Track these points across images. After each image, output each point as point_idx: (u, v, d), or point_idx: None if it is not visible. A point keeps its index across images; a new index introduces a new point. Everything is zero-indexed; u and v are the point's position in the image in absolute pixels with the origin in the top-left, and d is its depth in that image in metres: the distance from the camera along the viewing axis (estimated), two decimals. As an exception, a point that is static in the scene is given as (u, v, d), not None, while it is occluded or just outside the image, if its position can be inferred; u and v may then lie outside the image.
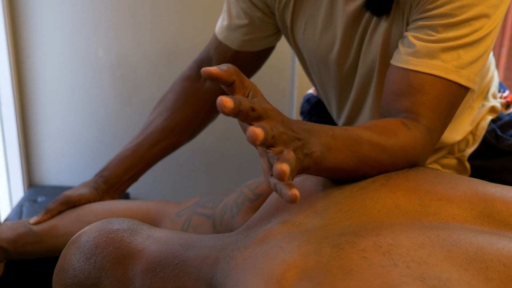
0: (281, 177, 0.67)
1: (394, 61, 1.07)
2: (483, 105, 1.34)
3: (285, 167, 0.67)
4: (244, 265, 0.80)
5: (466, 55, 1.03)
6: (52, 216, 1.28)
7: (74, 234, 1.21)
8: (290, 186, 0.68)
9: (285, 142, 0.73)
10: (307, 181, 0.94)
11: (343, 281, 0.68)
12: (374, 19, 1.16)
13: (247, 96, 0.75)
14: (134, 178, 1.40)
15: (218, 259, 0.85)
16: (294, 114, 2.16)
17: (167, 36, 2.10)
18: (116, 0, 2.06)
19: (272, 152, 0.71)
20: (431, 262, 0.70)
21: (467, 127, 1.33)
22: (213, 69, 0.71)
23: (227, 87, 0.74)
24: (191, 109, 1.43)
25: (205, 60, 1.44)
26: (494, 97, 1.38)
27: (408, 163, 0.96)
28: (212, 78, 0.71)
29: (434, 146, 1.05)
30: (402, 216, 0.82)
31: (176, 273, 0.87)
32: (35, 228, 1.28)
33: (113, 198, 1.40)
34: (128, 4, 2.06)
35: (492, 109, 1.36)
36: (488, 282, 0.69)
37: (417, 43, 1.04)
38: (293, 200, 0.68)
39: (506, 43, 2.44)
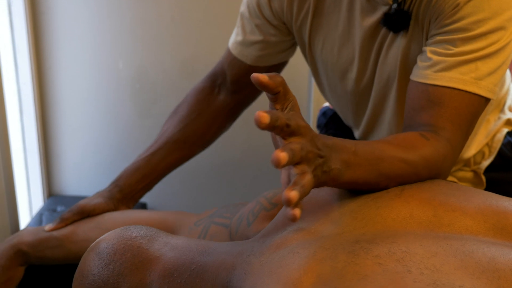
0: (287, 203, 0.69)
1: (413, 76, 1.08)
2: (499, 118, 1.34)
3: (293, 195, 0.69)
4: (260, 270, 0.81)
5: (484, 67, 1.03)
6: (66, 225, 1.30)
7: (93, 240, 1.23)
8: (295, 205, 0.70)
9: (309, 161, 0.75)
10: (322, 190, 0.95)
11: (358, 286, 0.69)
12: (390, 35, 1.16)
13: (286, 108, 0.77)
14: (147, 188, 1.43)
15: (234, 265, 0.86)
16: (311, 127, 2.16)
17: (186, 50, 2.11)
18: (137, 13, 2.07)
19: (294, 171, 0.73)
20: (444, 270, 0.70)
21: (482, 139, 1.33)
22: (263, 76, 0.73)
23: (271, 95, 0.75)
24: (204, 122, 1.45)
25: (219, 74, 1.45)
26: (510, 109, 1.37)
27: (430, 173, 0.97)
28: (261, 85, 0.73)
29: (457, 157, 1.05)
30: (416, 225, 0.83)
31: (193, 278, 0.88)
32: (55, 233, 1.30)
33: (128, 207, 1.42)
34: (148, 18, 2.08)
35: (508, 122, 1.36)
36: None
37: (435, 57, 1.04)
38: (291, 219, 0.70)
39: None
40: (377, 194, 0.90)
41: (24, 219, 2.16)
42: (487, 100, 1.06)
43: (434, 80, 1.04)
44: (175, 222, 1.29)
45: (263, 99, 1.57)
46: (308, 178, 0.73)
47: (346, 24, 1.21)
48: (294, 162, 0.72)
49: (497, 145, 1.34)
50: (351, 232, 0.83)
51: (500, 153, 1.35)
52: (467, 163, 1.35)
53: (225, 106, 1.45)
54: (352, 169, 0.85)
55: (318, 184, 0.80)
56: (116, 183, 1.42)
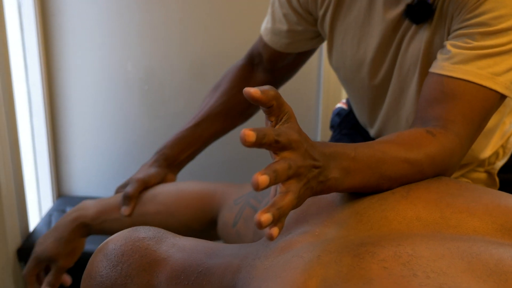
0: (258, 226, 0.69)
1: (431, 68, 1.07)
2: None
3: (264, 219, 0.68)
4: (265, 274, 0.81)
5: (503, 63, 1.02)
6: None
7: (150, 214, 1.28)
8: (274, 225, 0.70)
9: (300, 175, 0.74)
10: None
11: (364, 291, 0.69)
12: (413, 27, 1.15)
13: (281, 120, 0.77)
14: (191, 157, 1.48)
15: (240, 268, 0.86)
16: (320, 128, 2.16)
17: (194, 51, 2.11)
18: (145, 15, 2.08)
19: (279, 189, 0.73)
20: (451, 273, 0.70)
21: (498, 141, 1.32)
22: (255, 91, 0.73)
23: (265, 108, 0.75)
24: (244, 101, 1.48)
25: (256, 55, 1.50)
26: None
27: (436, 171, 0.96)
28: (253, 100, 0.73)
29: (465, 151, 1.04)
30: (422, 228, 0.82)
31: (200, 281, 0.88)
32: (115, 206, 1.35)
33: (174, 175, 1.47)
34: (156, 19, 2.08)
35: None
36: None
37: (453, 50, 1.04)
38: (268, 239, 0.71)
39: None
40: (382, 195, 0.89)
41: (34, 220, 2.17)
42: (502, 97, 1.05)
43: (450, 71, 1.03)
44: (222, 196, 1.31)
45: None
46: (288, 199, 0.72)
47: (367, 16, 1.21)
48: (278, 183, 0.71)
49: (511, 146, 1.34)
50: (356, 234, 0.82)
51: None
52: (481, 163, 1.34)
53: (265, 83, 1.50)
54: (352, 176, 0.84)
55: (313, 194, 0.79)
56: (161, 153, 1.46)
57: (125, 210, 1.33)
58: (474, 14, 1.02)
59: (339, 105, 1.72)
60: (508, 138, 1.33)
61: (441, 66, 1.04)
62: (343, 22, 1.26)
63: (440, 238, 0.78)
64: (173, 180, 1.47)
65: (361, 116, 1.46)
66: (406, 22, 1.16)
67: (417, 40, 1.16)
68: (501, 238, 0.80)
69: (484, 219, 0.83)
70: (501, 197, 0.89)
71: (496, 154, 1.33)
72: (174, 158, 1.45)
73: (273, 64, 1.48)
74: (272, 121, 0.77)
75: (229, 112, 1.49)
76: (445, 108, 1.02)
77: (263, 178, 0.68)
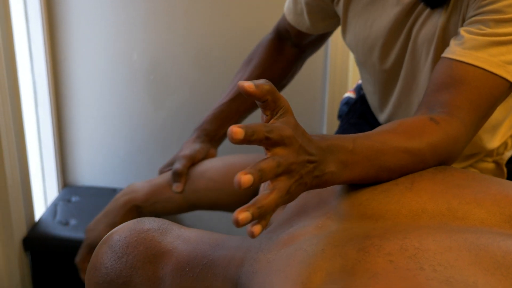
0: (235, 224, 0.68)
1: (443, 53, 1.06)
2: None
3: (242, 218, 0.67)
4: (268, 268, 0.80)
5: None
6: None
7: (201, 191, 1.29)
8: (257, 222, 0.70)
9: (292, 172, 0.73)
10: None
11: (369, 285, 0.68)
12: (426, 12, 1.14)
13: (276, 113, 0.75)
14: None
15: (243, 261, 0.85)
16: (325, 117, 2.15)
17: (199, 42, 2.11)
18: (150, 6, 2.07)
19: (267, 186, 0.72)
20: (458, 266, 0.69)
21: (507, 131, 1.31)
22: (248, 85, 0.71)
23: (260, 103, 0.74)
24: (279, 68, 1.51)
25: (283, 31, 1.51)
26: None
27: (439, 159, 0.94)
28: (247, 94, 0.72)
29: (470, 138, 1.02)
30: (429, 220, 0.81)
31: (205, 273, 0.88)
32: (166, 185, 1.35)
33: (215, 149, 1.48)
34: (162, 10, 2.08)
35: None
36: None
37: (466, 35, 1.02)
38: (249, 236, 0.70)
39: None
40: (384, 186, 0.88)
41: (39, 209, 2.17)
42: (511, 86, 1.04)
43: (461, 56, 1.02)
44: None
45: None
46: (271, 198, 0.70)
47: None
48: (264, 181, 0.70)
49: None
50: (361, 227, 0.81)
51: None
52: (489, 153, 1.33)
53: (295, 54, 1.52)
54: (350, 169, 0.83)
55: (308, 189, 0.78)
56: (201, 128, 1.47)
57: (177, 186, 1.32)
58: (489, 1, 1.01)
59: (347, 94, 1.72)
60: (517, 127, 1.32)
61: (453, 51, 1.03)
62: (358, 5, 1.25)
63: (447, 230, 0.78)
64: (215, 155, 1.47)
65: (372, 101, 1.45)
66: (420, 6, 1.15)
67: (431, 25, 1.14)
68: (509, 229, 0.80)
69: (492, 210, 0.82)
70: (509, 187, 0.87)
71: (504, 145, 1.32)
72: (214, 133, 1.46)
73: (299, 40, 1.49)
74: (267, 115, 0.76)
75: None
76: (452, 94, 1.01)
77: (246, 178, 0.67)
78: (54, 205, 2.14)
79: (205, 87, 2.16)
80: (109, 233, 0.96)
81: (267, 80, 0.74)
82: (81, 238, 1.94)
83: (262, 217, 0.70)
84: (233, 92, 1.48)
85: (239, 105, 1.47)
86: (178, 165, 1.33)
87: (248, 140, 0.69)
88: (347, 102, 1.67)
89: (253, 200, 0.69)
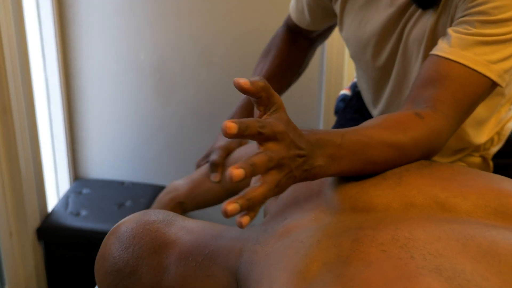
0: (224, 215, 0.68)
1: (431, 51, 1.06)
2: (510, 109, 1.32)
3: (231, 209, 0.67)
4: (266, 260, 0.80)
5: (499, 52, 1.01)
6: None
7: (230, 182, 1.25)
8: (246, 214, 0.70)
9: (283, 166, 0.73)
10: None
11: (363, 273, 0.68)
12: (418, 12, 1.14)
13: (269, 109, 0.75)
14: None
15: (242, 251, 0.85)
16: (322, 114, 2.15)
17: (203, 42, 2.11)
18: (157, 8, 2.07)
19: (259, 180, 0.72)
20: (447, 255, 0.69)
21: (493, 128, 1.31)
22: (244, 82, 0.71)
23: (255, 99, 0.74)
24: (296, 56, 1.51)
25: (292, 25, 1.50)
26: None
27: (423, 153, 0.94)
28: (242, 90, 0.72)
29: (452, 133, 1.02)
30: (418, 212, 0.81)
31: (207, 262, 0.88)
32: (205, 177, 1.33)
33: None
34: (167, 12, 2.07)
35: None
36: (501, 275, 0.68)
37: (453, 34, 1.02)
38: (238, 226, 0.70)
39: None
40: (373, 180, 0.88)
41: (52, 201, 2.18)
42: (494, 84, 1.03)
43: (447, 54, 1.01)
44: None
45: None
46: (260, 191, 0.70)
47: (376, 0, 1.20)
48: (255, 175, 0.70)
49: (506, 133, 1.32)
50: (353, 219, 0.81)
51: (508, 141, 1.33)
52: (476, 149, 1.33)
53: (307, 45, 1.52)
54: (337, 162, 0.83)
55: (297, 182, 0.78)
56: (229, 117, 1.46)
57: (214, 176, 1.31)
58: (476, 3, 1.01)
59: (342, 91, 1.72)
60: (504, 125, 1.32)
61: (440, 49, 1.03)
62: (353, 5, 1.25)
63: (436, 221, 0.78)
64: (247, 142, 1.45)
65: (366, 97, 1.46)
66: (413, 7, 1.14)
67: (421, 25, 1.14)
68: (494, 221, 0.80)
69: (478, 203, 0.82)
70: (493, 180, 0.87)
71: (491, 141, 1.32)
72: None
73: (307, 34, 1.49)
74: (260, 111, 0.76)
75: (284, 72, 1.49)
76: (437, 89, 1.00)
77: (238, 172, 0.67)
78: (66, 197, 2.15)
79: (209, 85, 2.16)
80: (117, 224, 0.96)
81: (262, 77, 0.74)
82: (92, 228, 1.95)
83: (250, 208, 0.69)
84: None
85: None
86: (214, 156, 1.33)
87: (241, 134, 0.68)
88: (343, 98, 1.67)
89: (242, 192, 0.69)
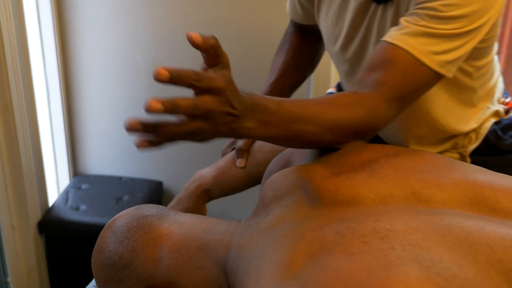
0: (145, 108, 0.69)
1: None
2: (488, 108, 1.32)
3: (153, 104, 0.68)
4: (253, 253, 0.81)
5: (443, 44, 1.01)
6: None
7: (262, 163, 1.26)
8: (148, 140, 0.73)
9: (209, 118, 0.74)
10: (290, 174, 0.93)
11: (346, 264, 0.68)
12: (380, 10, 1.15)
13: (215, 66, 0.77)
14: None
15: (229, 245, 0.86)
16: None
17: (197, 42, 2.10)
18: (153, 11, 2.07)
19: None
20: (425, 245, 0.70)
21: (472, 123, 1.31)
22: (195, 36, 0.74)
23: (205, 55, 0.76)
24: (308, 49, 1.50)
25: (293, 20, 1.50)
26: (499, 102, 1.36)
27: (356, 133, 0.96)
28: (193, 45, 0.73)
29: (390, 116, 1.02)
30: (396, 203, 0.81)
31: (197, 254, 0.88)
32: (230, 165, 1.33)
33: None
34: (163, 15, 2.07)
35: (496, 113, 1.34)
36: (476, 264, 0.68)
37: (404, 23, 1.02)
38: (136, 146, 0.72)
39: (504, 50, 2.41)
40: (347, 174, 0.88)
41: (52, 196, 2.18)
42: (438, 75, 1.03)
43: (395, 40, 1.02)
44: None
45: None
46: (176, 127, 0.72)
47: None
48: (173, 113, 0.71)
49: (483, 132, 1.33)
50: (334, 212, 0.81)
51: (485, 139, 1.33)
52: (455, 145, 1.34)
53: (316, 37, 1.50)
54: (266, 128, 0.84)
55: (222, 137, 0.79)
56: None
57: (240, 162, 1.31)
58: None
59: (329, 90, 1.73)
60: (482, 124, 1.32)
61: (390, 35, 1.04)
62: (326, 1, 1.26)
63: (414, 212, 0.78)
64: None
65: (344, 90, 1.47)
66: (373, 5, 1.15)
67: (384, 20, 1.15)
68: (470, 210, 0.80)
69: (453, 193, 0.82)
70: (468, 172, 0.87)
71: (469, 138, 1.33)
72: None
73: (310, 28, 1.48)
74: (207, 66, 0.77)
75: (300, 63, 1.49)
76: (381, 73, 1.01)
77: (155, 104, 0.68)
78: (66, 192, 2.14)
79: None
80: (112, 219, 0.96)
81: (214, 36, 0.75)
82: (91, 222, 1.95)
83: (158, 137, 0.72)
84: (275, 74, 1.48)
85: (284, 85, 1.46)
86: (240, 143, 1.33)
87: (173, 82, 0.70)
88: (331, 94, 1.68)
89: (172, 100, 0.70)
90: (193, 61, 2.12)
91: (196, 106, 0.72)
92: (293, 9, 1.43)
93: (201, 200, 1.32)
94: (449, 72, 1.04)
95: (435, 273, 0.65)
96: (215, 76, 0.74)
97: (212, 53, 0.75)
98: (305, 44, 1.50)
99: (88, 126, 2.25)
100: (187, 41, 2.01)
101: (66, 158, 2.25)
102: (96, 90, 2.19)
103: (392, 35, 1.03)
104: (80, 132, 2.26)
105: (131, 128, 0.69)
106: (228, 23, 2.08)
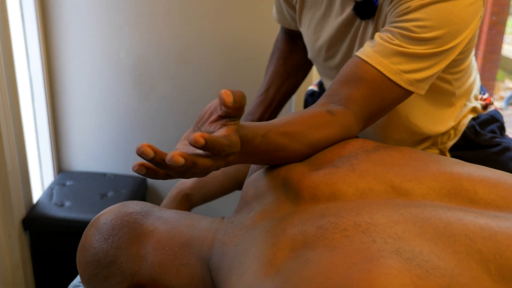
0: (169, 160, 0.67)
1: (357, 52, 1.07)
2: (465, 105, 1.34)
3: (176, 159, 0.67)
4: (236, 250, 0.81)
5: (414, 63, 1.02)
6: None
7: (232, 169, 1.28)
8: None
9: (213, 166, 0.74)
10: (271, 172, 0.94)
11: (329, 257, 0.69)
12: (363, 24, 1.15)
13: (233, 118, 0.75)
14: (272, 116, 1.49)
15: (212, 242, 0.86)
16: (293, 107, 2.16)
17: (181, 41, 2.10)
18: (137, 8, 2.06)
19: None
20: (406, 238, 0.70)
21: (450, 122, 1.32)
22: (227, 95, 0.71)
23: (226, 110, 0.73)
24: (299, 56, 1.51)
25: (281, 26, 1.51)
26: (476, 98, 1.37)
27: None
28: (224, 105, 0.72)
29: (359, 130, 1.04)
30: (376, 197, 0.82)
31: (182, 251, 0.88)
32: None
33: None
34: (146, 11, 2.06)
35: (474, 109, 1.35)
36: (456, 254, 0.69)
37: (378, 40, 1.03)
38: (137, 170, 0.71)
39: (482, 47, 2.43)
40: (326, 170, 0.89)
41: (37, 193, 2.16)
42: (408, 92, 1.04)
43: (367, 57, 1.03)
44: None
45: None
46: (205, 163, 0.71)
47: (328, 8, 1.21)
48: (191, 170, 0.70)
49: (462, 128, 1.34)
50: (315, 207, 0.82)
51: (464, 135, 1.34)
52: (434, 142, 1.35)
53: (303, 46, 1.50)
54: (248, 157, 0.86)
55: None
56: (246, 119, 1.46)
57: None
58: (402, 19, 1.02)
59: (310, 87, 1.73)
60: (460, 121, 1.34)
61: (363, 51, 1.04)
62: (308, 12, 1.26)
63: (394, 205, 0.78)
64: None
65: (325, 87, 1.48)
66: (358, 21, 1.16)
67: (367, 33, 1.16)
68: (448, 202, 0.80)
69: (432, 185, 0.83)
70: (446, 164, 0.88)
71: (448, 135, 1.34)
72: (260, 119, 1.47)
73: (300, 33, 1.47)
74: (222, 115, 0.75)
75: (290, 70, 1.49)
76: (352, 88, 1.02)
77: (179, 160, 0.66)
78: (51, 188, 2.13)
79: (185, 81, 2.15)
80: (96, 216, 0.95)
81: (243, 94, 0.73)
82: (75, 218, 1.94)
83: (178, 172, 0.71)
84: (266, 82, 1.49)
85: (274, 93, 1.48)
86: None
87: (206, 149, 0.68)
88: (312, 93, 1.68)
89: (195, 159, 0.69)
90: (176, 58, 2.11)
91: (212, 166, 0.72)
92: (280, 14, 1.43)
93: (182, 206, 1.32)
94: (421, 89, 1.05)
95: (415, 265, 0.66)
96: (238, 142, 0.74)
97: (238, 106, 0.73)
98: (295, 50, 1.50)
99: (72, 123, 2.23)
100: (171, 38, 1.99)
101: (50, 154, 2.23)
102: (80, 87, 2.18)
103: (366, 51, 1.04)
104: (64, 128, 2.24)
105: (143, 153, 0.68)
106: (212, 20, 2.08)
